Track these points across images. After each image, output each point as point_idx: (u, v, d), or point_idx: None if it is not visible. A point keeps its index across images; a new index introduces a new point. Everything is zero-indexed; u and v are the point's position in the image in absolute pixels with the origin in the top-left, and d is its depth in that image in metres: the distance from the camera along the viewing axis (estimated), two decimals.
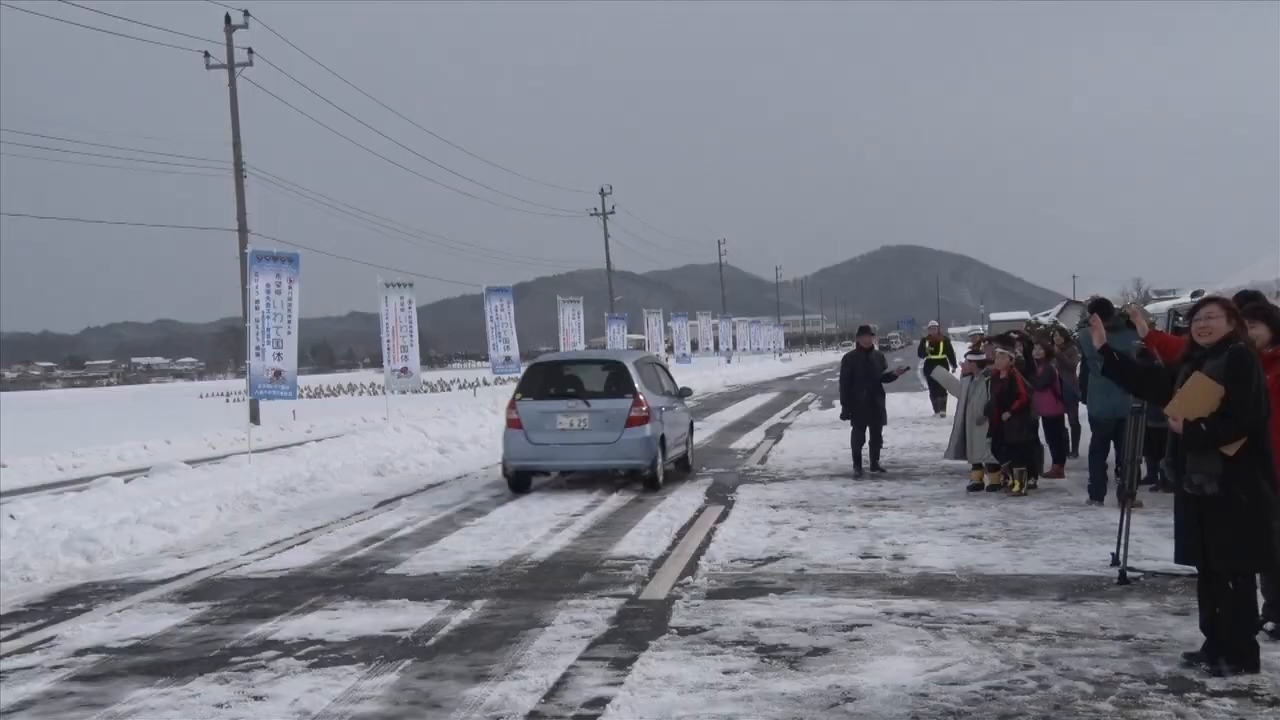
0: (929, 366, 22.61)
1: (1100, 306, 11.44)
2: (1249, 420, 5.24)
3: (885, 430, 14.52)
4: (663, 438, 13.33)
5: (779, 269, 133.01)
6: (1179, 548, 5.57)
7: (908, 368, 16.19)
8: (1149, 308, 17.67)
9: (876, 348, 14.64)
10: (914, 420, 21.25)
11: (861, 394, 14.00)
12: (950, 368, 22.93)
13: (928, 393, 23.51)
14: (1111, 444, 11.17)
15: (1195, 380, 5.38)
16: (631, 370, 13.46)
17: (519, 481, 13.43)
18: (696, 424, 18.03)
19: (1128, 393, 7.49)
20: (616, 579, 8.18)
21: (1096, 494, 10.76)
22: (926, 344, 24.49)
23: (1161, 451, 9.77)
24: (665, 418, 13.62)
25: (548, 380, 13.85)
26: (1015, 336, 13.05)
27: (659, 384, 14.33)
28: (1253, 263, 15.74)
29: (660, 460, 13.20)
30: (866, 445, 14.07)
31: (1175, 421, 5.47)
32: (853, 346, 14.91)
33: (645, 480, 13.19)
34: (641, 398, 13.15)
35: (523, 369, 18.16)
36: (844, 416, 14.36)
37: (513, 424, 13.38)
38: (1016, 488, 11.48)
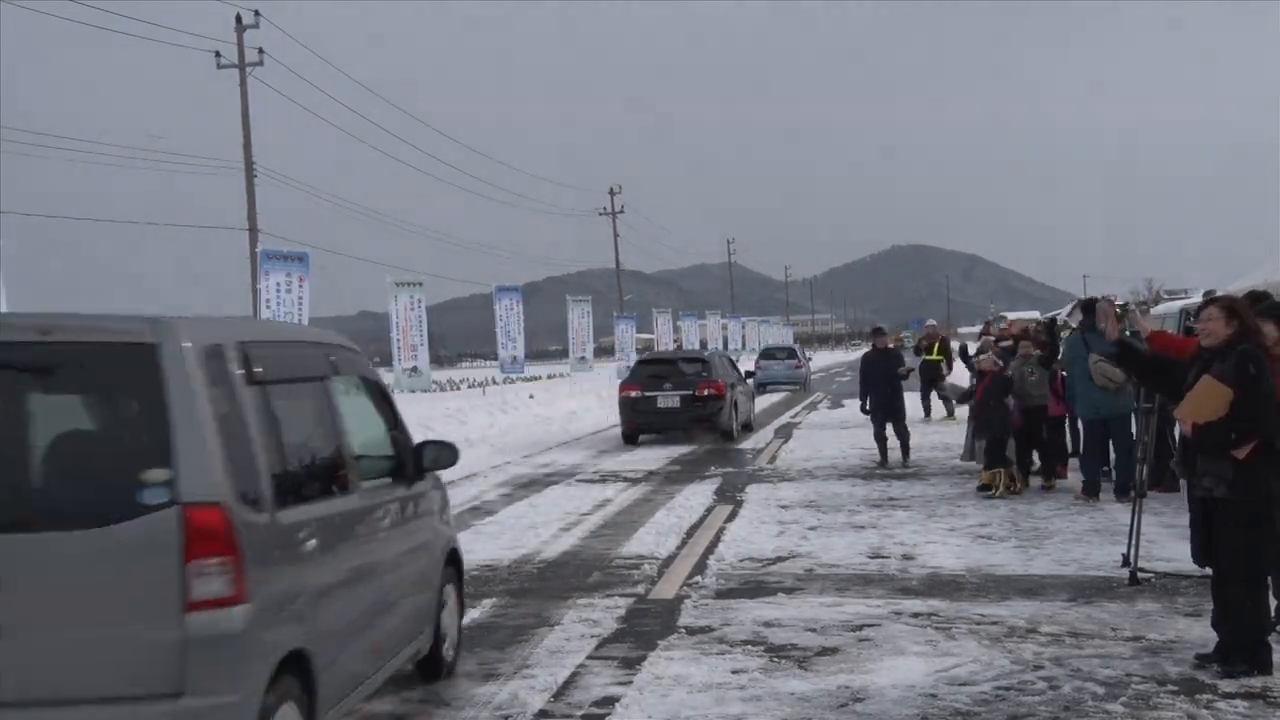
0: (925, 368, 21.72)
1: (1088, 306, 11.46)
2: (1260, 423, 5.21)
3: (906, 425, 15.13)
4: (808, 372, 39.24)
5: (788, 268, 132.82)
6: (1192, 549, 5.56)
7: (913, 368, 16.77)
8: (1160, 308, 17.59)
9: (891, 346, 15.59)
10: (922, 420, 21.17)
11: (877, 391, 14.85)
12: (947, 370, 22.52)
13: (919, 395, 22.59)
14: (1110, 443, 11.16)
15: (1205, 383, 5.35)
16: (797, 348, 43.53)
17: (759, 389, 30.32)
18: None
19: (1145, 388, 7.44)
20: (625, 578, 8.18)
21: (1090, 490, 10.85)
22: (922, 343, 23.29)
23: (1166, 452, 9.75)
24: (811, 365, 42.53)
25: (767, 353, 39.58)
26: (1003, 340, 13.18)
27: (805, 355, 42.23)
28: (1265, 262, 15.67)
29: (806, 381, 37.55)
30: (892, 439, 14.84)
31: (1185, 424, 5.45)
32: (868, 347, 16.07)
33: (802, 387, 36.53)
34: (799, 357, 38.58)
35: (757, 353, 43.40)
36: (863, 410, 15.32)
37: (758, 368, 33.86)
38: (994, 491, 11.46)
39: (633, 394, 19.03)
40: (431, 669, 5.71)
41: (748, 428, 21.02)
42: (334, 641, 4.26)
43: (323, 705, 4.13)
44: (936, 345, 22.35)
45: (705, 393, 18.67)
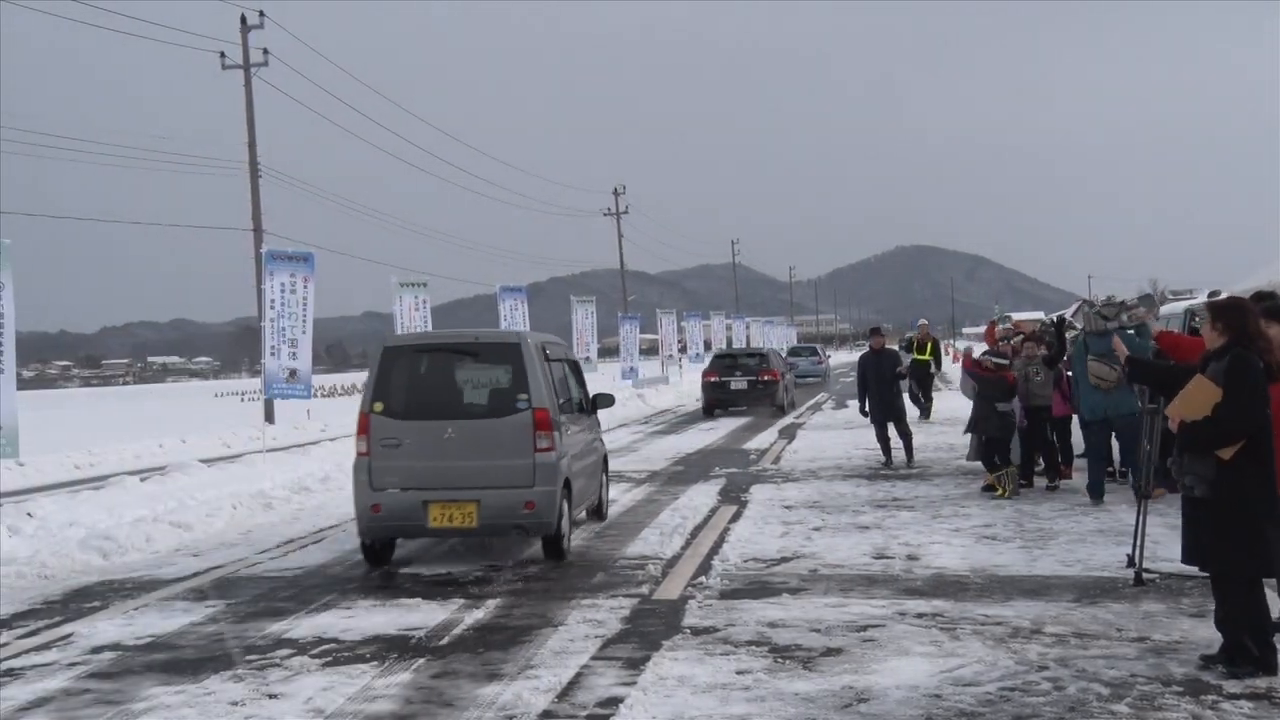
0: (915, 368, 21.56)
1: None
2: (1236, 425, 5.20)
3: (908, 425, 15.12)
4: (828, 368, 48.04)
5: (792, 269, 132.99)
6: (1182, 548, 5.57)
7: (909, 366, 16.83)
8: (1165, 309, 17.53)
9: (897, 346, 15.43)
10: (919, 419, 21.14)
11: (875, 392, 14.82)
12: (936, 370, 22.74)
13: (915, 394, 22.63)
14: (1114, 442, 11.12)
15: (1195, 381, 5.38)
16: (818, 347, 52.41)
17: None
18: (710, 424, 24.13)
19: (1159, 395, 7.44)
20: (630, 579, 8.18)
21: (1096, 493, 10.80)
22: (914, 344, 23.19)
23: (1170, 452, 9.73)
24: (829, 362, 49.65)
25: (794, 351, 45.58)
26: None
27: (825, 353, 50.33)
28: (1271, 262, 15.64)
29: (827, 375, 45.87)
30: (895, 439, 14.81)
31: (1173, 422, 5.47)
32: (866, 347, 15.79)
33: (822, 379, 43.51)
34: (820, 354, 47.28)
35: (785, 349, 44.57)
36: (862, 413, 15.28)
37: (787, 364, 31.42)
38: (1000, 492, 11.41)
39: (712, 379, 26.55)
40: (598, 515, 10.82)
41: (793, 405, 27.86)
42: (575, 478, 9.28)
43: (574, 506, 9.31)
44: (929, 346, 22.54)
45: (765, 378, 25.93)
